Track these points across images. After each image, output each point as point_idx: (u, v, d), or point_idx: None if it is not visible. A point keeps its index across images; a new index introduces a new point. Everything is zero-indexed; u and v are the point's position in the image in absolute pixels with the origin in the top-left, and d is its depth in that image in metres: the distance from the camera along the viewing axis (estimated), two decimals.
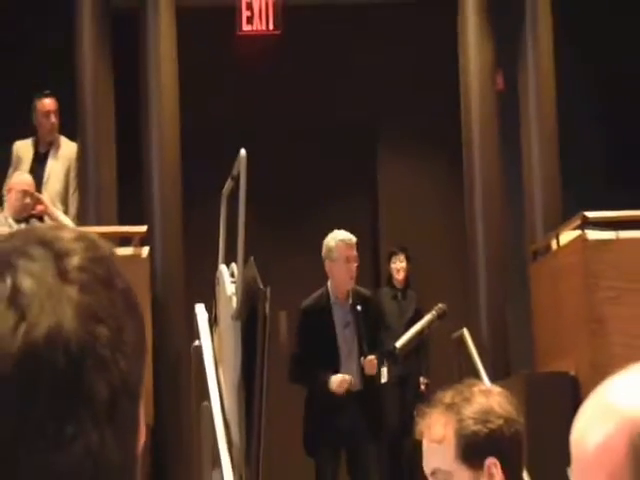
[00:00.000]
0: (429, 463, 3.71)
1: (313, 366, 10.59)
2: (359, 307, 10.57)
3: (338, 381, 10.23)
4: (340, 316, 10.69)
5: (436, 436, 3.67)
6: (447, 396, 3.73)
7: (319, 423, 10.57)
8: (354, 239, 10.88)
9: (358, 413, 10.50)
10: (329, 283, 10.92)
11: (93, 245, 1.43)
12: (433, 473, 3.69)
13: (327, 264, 10.86)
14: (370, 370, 10.38)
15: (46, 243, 1.39)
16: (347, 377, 10.26)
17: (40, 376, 1.32)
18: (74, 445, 1.34)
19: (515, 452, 3.71)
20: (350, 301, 10.67)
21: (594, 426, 2.51)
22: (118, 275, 1.43)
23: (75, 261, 1.38)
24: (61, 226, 1.49)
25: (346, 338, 10.66)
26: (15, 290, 1.34)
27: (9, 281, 1.35)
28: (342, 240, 10.70)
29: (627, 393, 2.49)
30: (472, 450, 3.63)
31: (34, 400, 1.33)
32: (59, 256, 1.38)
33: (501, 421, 3.66)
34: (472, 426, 3.63)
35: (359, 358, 10.59)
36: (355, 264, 10.74)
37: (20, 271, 1.36)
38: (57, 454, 1.34)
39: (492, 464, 3.63)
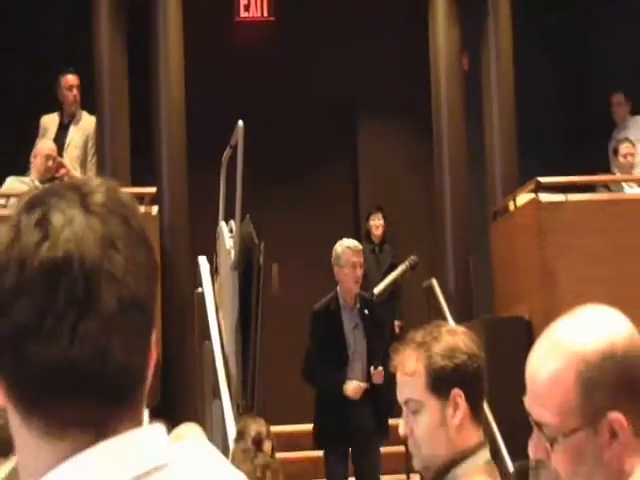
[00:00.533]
0: (402, 394, 3.72)
1: (325, 365, 10.15)
2: (366, 311, 10.30)
3: (353, 388, 9.81)
4: (348, 319, 10.29)
5: (409, 370, 3.69)
6: (418, 335, 3.74)
7: (329, 421, 10.02)
8: (360, 246, 10.51)
9: (366, 411, 9.97)
10: (338, 288, 10.41)
11: (114, 189, 1.54)
12: (406, 402, 3.71)
13: (335, 270, 10.36)
14: (378, 380, 9.86)
15: (76, 187, 1.51)
16: (362, 385, 9.84)
17: (58, 285, 1.42)
18: (84, 343, 1.42)
19: (477, 384, 3.72)
20: (358, 305, 10.32)
21: (546, 361, 2.55)
22: (133, 214, 1.52)
23: (98, 199, 1.49)
24: (90, 178, 1.58)
25: (354, 339, 10.22)
26: (44, 217, 1.46)
27: (40, 211, 1.46)
28: (348, 247, 10.23)
29: (573, 332, 2.53)
30: (440, 382, 3.64)
31: (53, 302, 1.42)
32: (85, 195, 1.49)
33: (465, 357, 3.68)
34: (440, 361, 3.64)
35: (367, 357, 10.17)
36: (361, 270, 10.34)
37: (51, 206, 1.47)
38: (70, 349, 1.42)
39: (457, 394, 3.65)
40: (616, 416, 2.49)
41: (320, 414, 10.25)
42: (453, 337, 3.70)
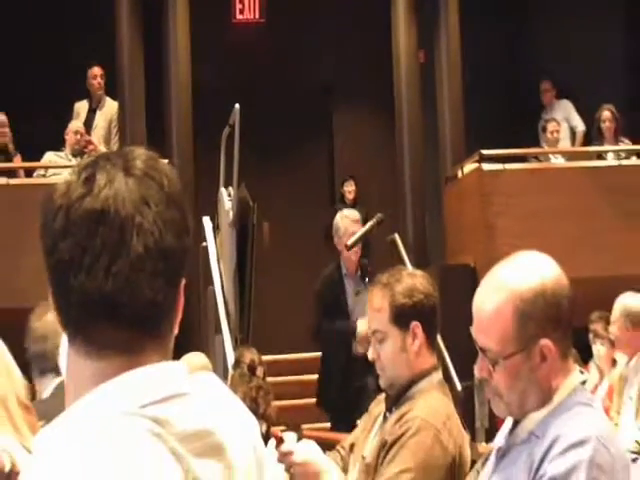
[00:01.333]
0: (371, 325, 3.75)
1: (329, 328, 8.95)
2: (367, 279, 8.83)
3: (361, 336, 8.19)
4: (351, 286, 9.17)
5: (376, 306, 3.70)
6: (384, 277, 3.76)
7: (333, 385, 8.77)
8: (357, 215, 9.32)
9: (368, 374, 8.01)
10: (341, 257, 9.34)
11: (154, 158, 1.58)
12: (374, 333, 3.73)
13: (335, 240, 9.33)
14: None
15: (123, 154, 1.55)
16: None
17: (96, 231, 1.46)
18: (116, 279, 1.46)
19: (432, 318, 3.74)
20: (359, 273, 9.19)
21: (489, 298, 2.59)
22: (168, 179, 1.55)
23: (138, 164, 1.53)
24: (135, 148, 1.62)
25: (357, 305, 8.86)
26: (91, 176, 1.50)
27: (90, 170, 1.51)
28: (346, 216, 9.17)
29: (511, 274, 2.56)
30: (401, 316, 3.66)
31: (91, 245, 1.47)
32: (128, 160, 1.53)
33: (422, 296, 3.69)
34: (401, 299, 3.66)
35: None
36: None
37: (100, 167, 1.51)
38: (104, 283, 1.46)
39: (415, 326, 3.67)
40: (545, 342, 2.55)
41: (323, 378, 9.14)
42: (412, 279, 3.72)
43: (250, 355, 7.35)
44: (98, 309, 1.47)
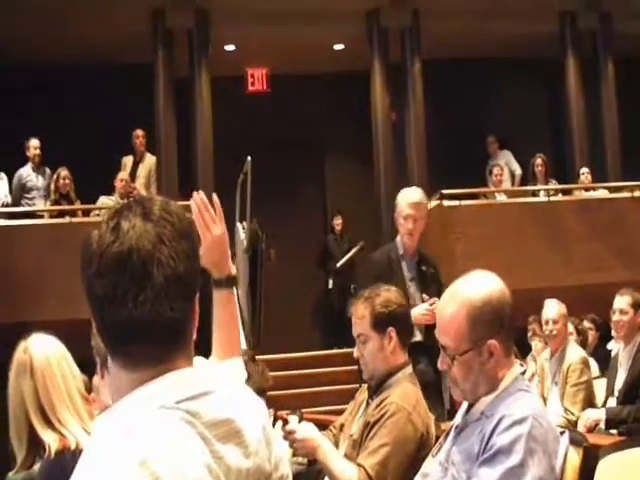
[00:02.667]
0: (356, 330, 3.74)
1: None
2: (424, 268, 6.48)
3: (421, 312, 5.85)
4: (407, 268, 6.64)
5: (360, 314, 3.70)
6: (366, 292, 3.76)
7: None
8: (417, 198, 6.50)
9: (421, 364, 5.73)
10: (398, 237, 6.86)
11: (167, 203, 1.55)
12: (358, 336, 3.73)
13: (395, 217, 6.87)
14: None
15: (141, 202, 1.54)
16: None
17: (124, 269, 1.45)
18: (143, 306, 1.45)
19: (404, 324, 3.74)
20: (416, 259, 6.60)
21: (448, 305, 2.59)
22: (178, 218, 1.53)
23: (154, 210, 1.51)
24: (153, 196, 1.61)
25: (408, 291, 6.33)
26: (117, 225, 1.49)
27: (116, 219, 1.49)
28: (404, 199, 6.65)
29: (466, 287, 2.56)
30: (379, 322, 3.65)
31: (122, 278, 1.45)
32: (145, 208, 1.51)
33: (396, 306, 3.69)
34: (379, 309, 3.66)
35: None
36: (417, 223, 6.46)
37: (123, 216, 1.50)
38: (135, 310, 1.45)
39: (391, 331, 3.66)
40: (492, 342, 2.56)
41: None
42: (388, 293, 3.72)
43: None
44: (131, 331, 1.46)
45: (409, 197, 6.46)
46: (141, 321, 1.45)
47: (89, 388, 5.99)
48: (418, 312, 5.73)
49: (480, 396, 2.64)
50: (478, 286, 2.63)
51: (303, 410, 5.78)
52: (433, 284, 6.26)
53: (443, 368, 2.66)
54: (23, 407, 3.01)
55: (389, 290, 3.77)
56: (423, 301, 5.96)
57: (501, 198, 12.80)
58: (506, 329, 2.62)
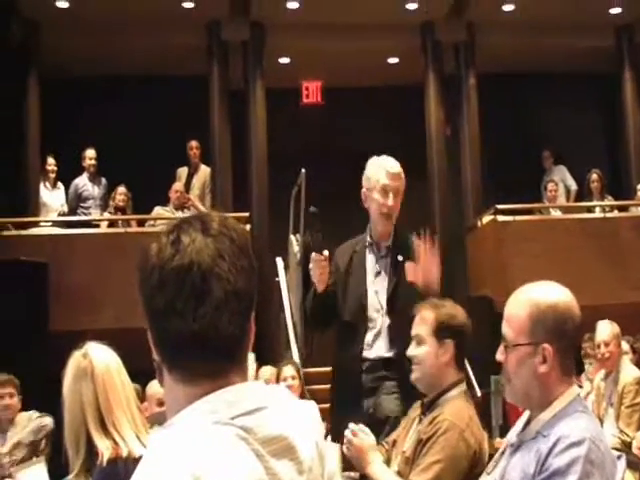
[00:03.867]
0: (416, 329, 3.72)
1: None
2: (400, 257, 4.65)
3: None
4: (370, 262, 4.81)
5: (424, 316, 3.69)
6: (433, 300, 3.77)
7: (347, 406, 4.47)
8: (398, 169, 4.96)
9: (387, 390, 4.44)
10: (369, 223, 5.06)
11: (225, 219, 1.55)
12: (415, 336, 3.72)
13: (363, 195, 5.04)
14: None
15: (200, 218, 1.53)
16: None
17: (184, 282, 1.45)
18: (202, 320, 1.45)
19: (463, 343, 3.72)
20: (389, 245, 4.81)
21: (517, 299, 2.62)
22: (237, 234, 1.54)
23: (214, 225, 1.51)
24: (211, 212, 1.60)
25: (366, 296, 4.61)
26: (177, 238, 1.49)
27: (176, 234, 1.49)
28: (380, 166, 4.93)
29: (536, 288, 2.56)
30: (440, 330, 3.64)
31: (182, 291, 1.45)
32: (205, 223, 1.51)
33: (461, 323, 3.69)
34: (444, 317, 3.65)
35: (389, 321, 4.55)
36: (394, 198, 4.87)
37: (183, 230, 1.50)
38: (193, 324, 1.45)
39: (449, 343, 3.65)
40: (548, 347, 2.58)
41: (336, 398, 4.80)
42: (455, 309, 3.70)
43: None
44: (189, 345, 1.46)
45: (388, 165, 4.82)
46: (199, 335, 1.45)
47: (141, 397, 6.02)
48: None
49: (532, 404, 2.64)
50: (548, 291, 2.65)
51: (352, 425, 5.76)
52: (404, 275, 4.54)
53: (499, 358, 2.67)
54: (82, 412, 3.02)
55: (456, 306, 3.76)
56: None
57: (556, 214, 12.72)
58: (566, 343, 2.62)
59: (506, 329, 2.66)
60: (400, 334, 4.27)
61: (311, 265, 4.53)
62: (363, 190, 4.91)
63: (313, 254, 4.48)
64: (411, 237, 4.79)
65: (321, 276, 4.56)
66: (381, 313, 4.65)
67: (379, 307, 4.67)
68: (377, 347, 4.60)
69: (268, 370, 7.72)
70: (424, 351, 3.67)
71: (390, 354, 4.55)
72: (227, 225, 1.54)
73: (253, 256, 1.56)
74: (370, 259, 4.87)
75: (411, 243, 4.72)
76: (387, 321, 4.62)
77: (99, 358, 3.09)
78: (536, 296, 2.63)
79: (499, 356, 2.67)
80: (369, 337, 4.62)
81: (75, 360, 3.09)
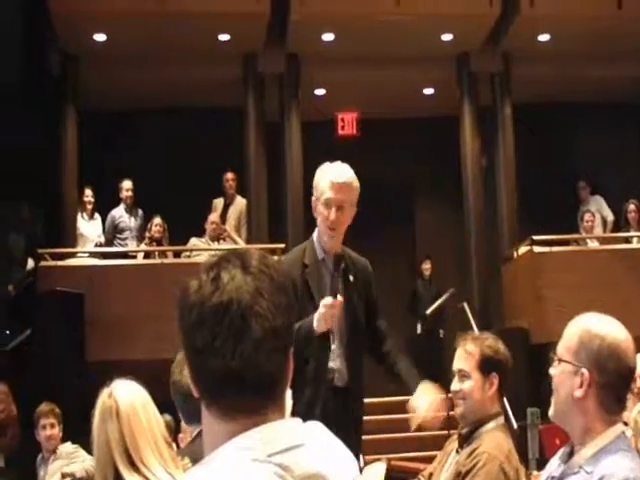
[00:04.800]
0: (458, 364, 3.70)
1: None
2: (351, 277, 4.36)
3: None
4: (328, 280, 4.35)
5: (469, 350, 3.66)
6: (474, 334, 3.78)
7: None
8: (346, 177, 4.48)
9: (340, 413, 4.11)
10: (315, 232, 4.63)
11: (264, 257, 1.55)
12: (459, 371, 3.68)
13: (313, 203, 4.54)
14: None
15: (239, 255, 1.53)
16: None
17: (223, 319, 1.45)
18: (241, 358, 1.44)
19: (506, 376, 3.70)
20: (338, 263, 4.37)
21: (573, 323, 2.65)
22: (276, 272, 1.53)
23: (253, 262, 1.51)
24: (250, 249, 1.60)
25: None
26: (217, 275, 1.49)
27: (216, 271, 1.49)
28: (326, 175, 4.47)
29: (595, 316, 2.54)
30: (485, 365, 3.62)
31: (221, 329, 1.45)
32: (244, 261, 1.51)
33: (503, 356, 3.67)
34: (489, 352, 3.63)
35: (344, 345, 4.28)
36: (337, 213, 4.36)
37: (222, 267, 1.50)
38: (231, 362, 1.45)
39: (494, 377, 3.63)
40: (586, 373, 2.58)
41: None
42: (497, 342, 3.68)
43: None
44: (227, 382, 1.46)
45: (334, 174, 4.30)
46: (238, 372, 1.45)
47: (173, 428, 6.01)
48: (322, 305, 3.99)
49: (570, 429, 2.63)
50: (603, 321, 2.65)
51: (389, 456, 5.73)
52: (360, 301, 4.38)
53: (551, 372, 2.67)
54: (109, 450, 3.05)
55: (497, 339, 3.74)
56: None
57: (593, 245, 12.64)
58: (607, 379, 2.59)
59: (560, 343, 2.69)
60: (351, 365, 4.20)
61: (322, 308, 3.94)
62: (313, 198, 4.39)
63: (327, 298, 3.94)
64: (360, 259, 4.53)
65: (329, 321, 3.99)
66: (340, 341, 4.22)
67: (338, 334, 4.23)
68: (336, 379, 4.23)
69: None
70: (469, 386, 3.64)
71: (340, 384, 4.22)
72: (266, 263, 1.54)
73: (292, 294, 1.56)
74: (326, 277, 4.31)
75: (359, 263, 4.49)
76: (343, 351, 4.24)
77: (124, 396, 3.13)
78: (593, 323, 2.64)
79: (551, 370, 2.69)
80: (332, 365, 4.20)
81: (101, 400, 3.14)
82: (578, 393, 2.58)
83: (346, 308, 4.21)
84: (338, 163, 4.48)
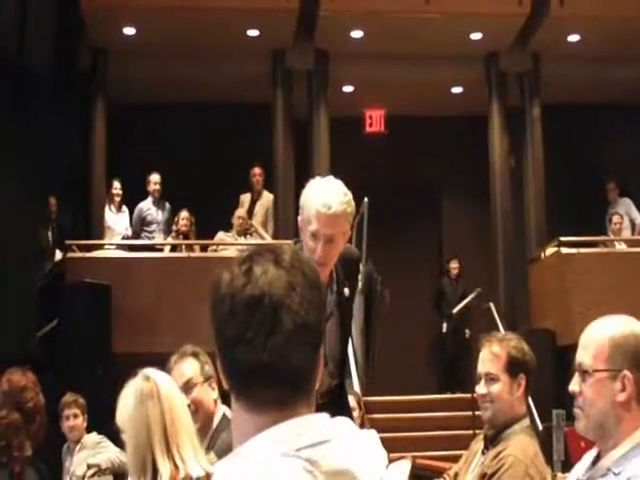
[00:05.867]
0: (485, 367, 3.66)
1: None
2: (347, 290, 3.82)
3: None
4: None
5: (495, 351, 3.63)
6: (499, 335, 3.74)
7: None
8: (336, 206, 3.53)
9: None
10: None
11: (297, 252, 1.56)
12: (486, 374, 3.65)
13: (300, 224, 3.68)
14: None
15: (272, 250, 1.53)
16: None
17: (255, 312, 1.45)
18: (272, 351, 1.44)
19: (532, 376, 3.67)
20: (334, 286, 3.79)
21: (596, 328, 2.58)
22: (308, 268, 1.52)
23: (286, 257, 1.51)
24: (282, 244, 1.63)
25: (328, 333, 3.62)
26: (249, 269, 1.49)
27: (248, 264, 1.50)
28: (313, 201, 3.57)
29: (612, 321, 2.51)
30: (513, 366, 3.59)
31: (252, 321, 1.45)
32: (277, 255, 1.51)
33: (529, 357, 3.64)
34: (515, 353, 3.61)
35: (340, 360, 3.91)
36: (326, 246, 3.53)
37: (255, 261, 1.50)
38: (262, 355, 1.45)
39: (521, 378, 3.60)
40: (628, 374, 2.52)
41: None
42: (521, 343, 3.66)
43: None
44: (258, 375, 1.47)
45: (321, 202, 3.54)
46: (268, 365, 1.45)
47: None
48: None
49: (605, 437, 2.56)
50: (629, 322, 2.61)
51: (414, 454, 5.71)
52: (347, 309, 3.90)
53: (573, 389, 2.59)
54: (148, 433, 3.03)
55: (521, 340, 3.71)
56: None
57: (620, 247, 12.57)
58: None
59: (583, 356, 2.59)
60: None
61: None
62: (299, 218, 3.66)
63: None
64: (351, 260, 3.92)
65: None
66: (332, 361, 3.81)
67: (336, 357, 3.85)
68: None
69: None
70: (498, 389, 3.61)
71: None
72: (299, 258, 1.54)
73: (323, 291, 1.56)
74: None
75: (353, 258, 3.96)
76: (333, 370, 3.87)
77: (163, 380, 3.12)
78: (617, 325, 2.59)
79: (573, 386, 2.60)
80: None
81: (137, 384, 3.10)
82: (622, 397, 2.52)
83: (341, 328, 3.83)
84: (328, 184, 3.63)
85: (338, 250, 3.63)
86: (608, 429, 2.55)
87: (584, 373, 2.57)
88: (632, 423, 2.54)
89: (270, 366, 1.45)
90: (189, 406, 3.33)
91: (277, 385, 1.47)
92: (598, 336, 2.58)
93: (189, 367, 3.66)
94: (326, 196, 3.53)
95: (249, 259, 1.52)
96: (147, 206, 12.23)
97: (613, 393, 2.53)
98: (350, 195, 3.60)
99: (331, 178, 3.66)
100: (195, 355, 3.82)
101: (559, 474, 6.95)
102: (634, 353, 2.53)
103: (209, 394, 3.74)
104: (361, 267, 9.79)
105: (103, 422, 6.58)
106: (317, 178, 3.69)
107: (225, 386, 1.53)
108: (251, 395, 1.49)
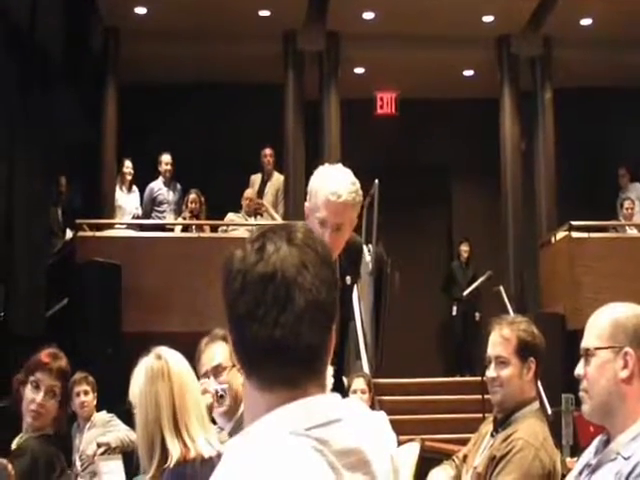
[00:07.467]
0: (496, 351, 3.64)
1: None
2: (348, 278, 3.95)
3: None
4: None
5: (505, 335, 3.61)
6: (508, 318, 3.72)
7: None
8: (346, 193, 3.51)
9: None
10: None
11: (310, 230, 1.55)
12: (496, 357, 3.63)
13: (306, 211, 3.68)
14: None
15: (285, 228, 1.52)
16: None
17: (267, 289, 1.44)
18: (283, 328, 1.43)
19: (542, 359, 3.65)
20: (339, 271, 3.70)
21: (594, 316, 2.66)
22: (321, 246, 1.52)
23: (298, 236, 1.50)
24: (296, 222, 1.60)
25: None
26: (262, 246, 1.48)
27: (261, 242, 1.48)
28: (322, 187, 3.55)
29: (615, 306, 2.52)
30: (523, 349, 3.58)
31: (264, 298, 1.44)
32: (290, 233, 1.50)
33: (539, 340, 3.62)
34: (525, 336, 3.59)
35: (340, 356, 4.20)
36: (334, 233, 3.55)
37: (267, 238, 1.49)
38: (274, 331, 1.43)
39: (531, 361, 3.59)
40: (629, 350, 2.55)
41: None
42: (531, 326, 3.64)
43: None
44: (269, 352, 1.46)
45: (331, 189, 3.51)
46: (280, 342, 1.44)
47: None
48: None
49: (611, 419, 2.57)
50: (629, 306, 2.64)
51: (423, 436, 5.70)
52: (348, 297, 4.09)
53: (579, 372, 2.62)
54: (157, 412, 3.03)
55: (530, 323, 3.69)
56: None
57: (631, 232, 12.55)
58: None
59: (586, 338, 2.64)
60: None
61: None
62: (306, 204, 3.64)
63: None
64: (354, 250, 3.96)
65: None
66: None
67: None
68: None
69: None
70: (508, 372, 3.59)
71: None
72: (312, 237, 1.53)
73: (336, 270, 1.55)
74: None
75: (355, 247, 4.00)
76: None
77: (174, 359, 3.12)
78: (619, 308, 2.63)
79: (579, 370, 2.63)
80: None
81: (149, 362, 3.11)
82: (624, 374, 2.55)
83: (340, 316, 3.67)
84: (337, 172, 3.60)
85: (345, 238, 3.67)
86: (613, 407, 2.56)
87: (587, 355, 2.61)
88: (636, 400, 2.54)
89: (281, 343, 1.44)
90: (217, 391, 3.36)
91: (288, 363, 1.47)
92: (601, 319, 2.61)
93: (220, 351, 3.65)
94: (336, 184, 3.54)
95: (262, 236, 1.51)
96: (158, 186, 12.24)
97: (615, 370, 2.56)
98: (358, 184, 3.58)
99: (340, 166, 3.66)
100: (225, 339, 3.81)
101: (567, 459, 6.97)
102: (636, 331, 2.56)
103: (237, 378, 3.74)
104: (371, 248, 9.82)
105: (113, 401, 6.62)
106: (326, 165, 3.72)
107: (237, 364, 1.52)
108: (262, 373, 1.48)
